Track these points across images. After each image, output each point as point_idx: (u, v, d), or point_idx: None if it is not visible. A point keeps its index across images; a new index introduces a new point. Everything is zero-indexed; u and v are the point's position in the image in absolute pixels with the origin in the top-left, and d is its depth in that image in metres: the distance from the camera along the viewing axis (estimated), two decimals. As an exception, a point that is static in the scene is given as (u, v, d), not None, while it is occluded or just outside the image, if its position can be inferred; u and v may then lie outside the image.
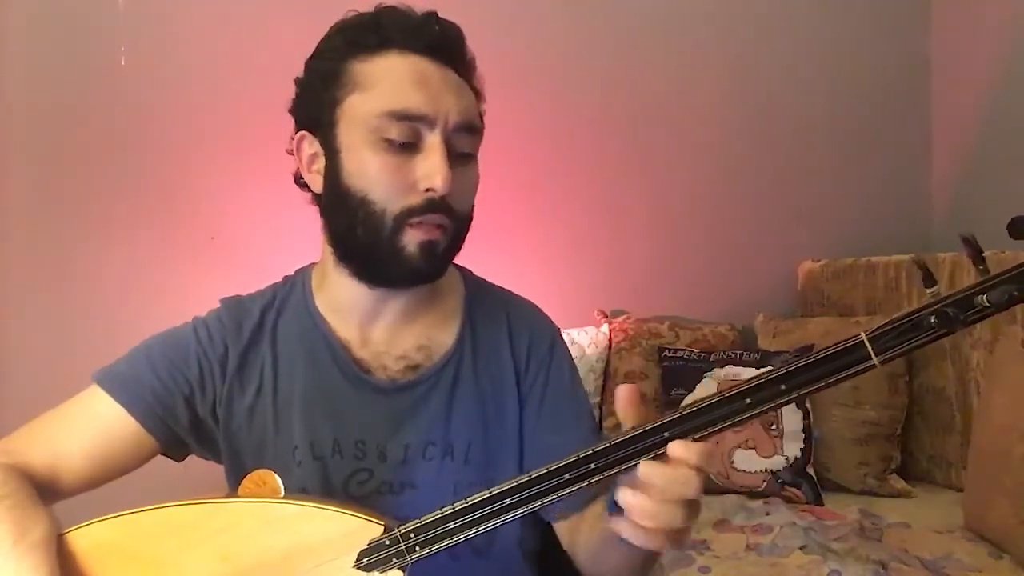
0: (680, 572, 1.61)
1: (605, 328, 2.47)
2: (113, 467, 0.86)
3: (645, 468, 0.61)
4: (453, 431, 0.89)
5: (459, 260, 0.90)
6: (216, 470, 0.93)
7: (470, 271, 1.00)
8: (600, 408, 2.38)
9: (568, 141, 2.54)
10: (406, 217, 0.80)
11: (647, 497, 0.60)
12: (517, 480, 0.65)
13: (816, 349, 0.60)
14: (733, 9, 2.61)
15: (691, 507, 0.62)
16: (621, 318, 2.51)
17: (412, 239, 0.81)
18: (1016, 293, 0.55)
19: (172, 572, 0.72)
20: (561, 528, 0.91)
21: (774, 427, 2.05)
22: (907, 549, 1.65)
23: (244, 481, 0.74)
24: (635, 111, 2.58)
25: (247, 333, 0.90)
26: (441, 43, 0.84)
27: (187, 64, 2.27)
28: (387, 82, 0.81)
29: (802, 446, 2.05)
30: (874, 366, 0.59)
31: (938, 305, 0.57)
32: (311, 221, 0.92)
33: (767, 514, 1.85)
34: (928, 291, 0.58)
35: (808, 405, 2.09)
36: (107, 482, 0.86)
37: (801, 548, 1.65)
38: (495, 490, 0.65)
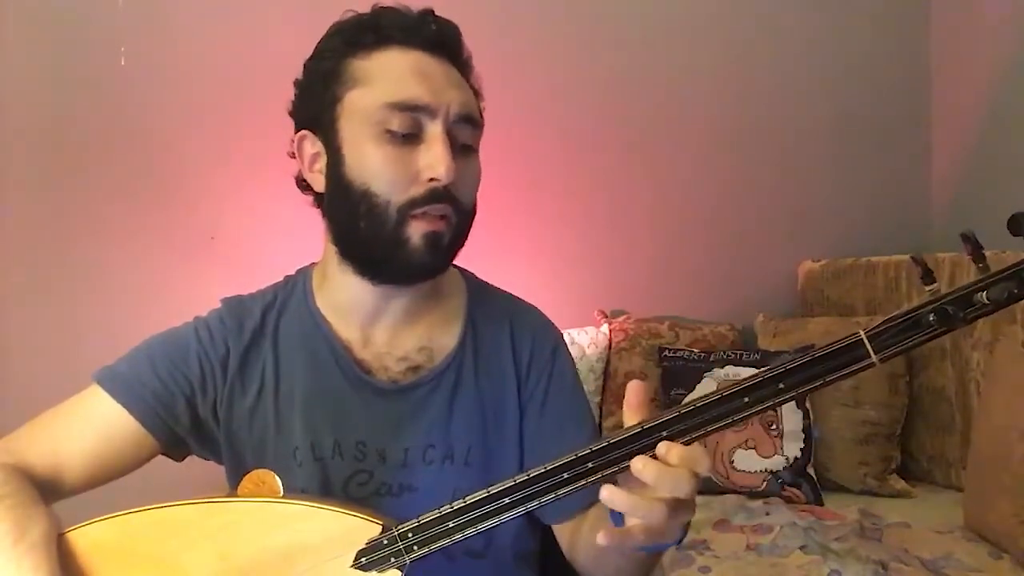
0: (680, 572, 1.61)
1: (605, 328, 2.47)
2: (113, 467, 0.86)
3: (637, 464, 0.61)
4: (453, 434, 0.89)
5: (460, 258, 0.90)
6: (216, 470, 0.93)
7: (472, 274, 1.00)
8: (600, 408, 2.38)
9: (568, 141, 2.54)
10: (410, 208, 0.80)
11: (631, 492, 0.60)
12: (515, 479, 0.65)
13: (815, 349, 0.60)
14: (734, 10, 2.61)
15: (681, 505, 0.61)
16: (621, 318, 2.51)
17: (416, 230, 0.80)
18: (1016, 291, 0.55)
19: (171, 571, 0.72)
20: (562, 532, 0.91)
21: (774, 427, 2.05)
22: (907, 549, 1.65)
23: (243, 481, 0.74)
24: (636, 111, 2.58)
25: (248, 333, 0.90)
26: (439, 39, 0.84)
27: (187, 64, 2.27)
28: (387, 75, 0.81)
29: (802, 446, 2.05)
30: (873, 364, 0.59)
31: (937, 303, 0.57)
32: (311, 221, 0.92)
33: (767, 514, 1.85)
34: (927, 288, 0.58)
35: (808, 405, 2.09)
36: (107, 482, 0.86)
37: (801, 548, 1.65)
38: (493, 489, 0.65)
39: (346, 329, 0.91)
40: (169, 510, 0.73)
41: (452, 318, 0.94)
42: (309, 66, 0.87)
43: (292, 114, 0.89)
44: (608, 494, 0.61)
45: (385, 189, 0.80)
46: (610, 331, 2.46)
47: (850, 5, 2.66)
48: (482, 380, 0.91)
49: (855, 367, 0.59)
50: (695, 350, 2.32)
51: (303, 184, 0.90)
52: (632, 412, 0.64)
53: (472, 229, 0.87)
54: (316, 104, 0.84)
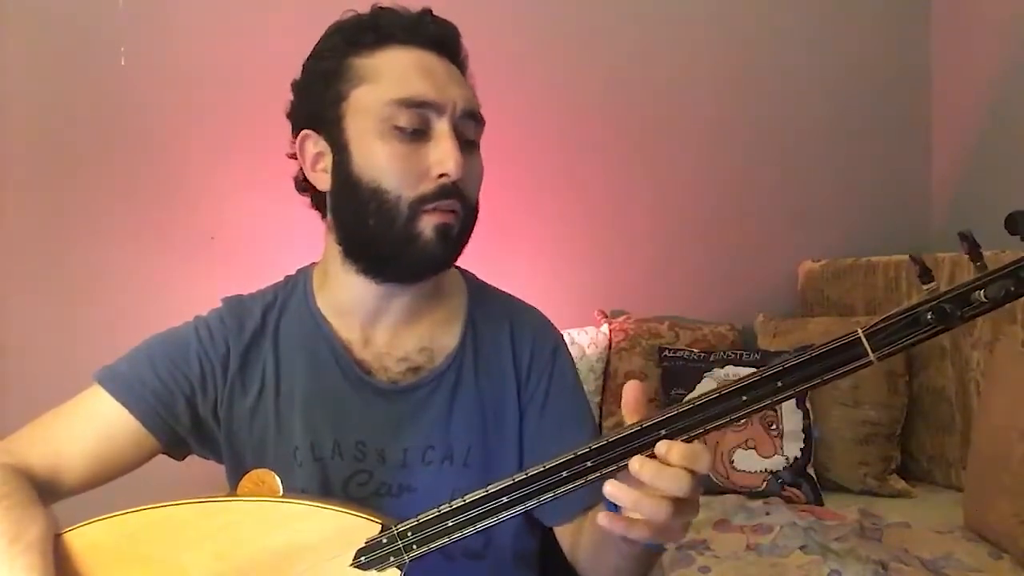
0: (680, 572, 1.61)
1: (605, 328, 2.47)
2: (114, 467, 0.86)
3: (635, 463, 0.61)
4: (453, 434, 0.89)
5: (460, 258, 0.90)
6: (216, 470, 0.93)
7: (473, 274, 1.00)
8: (600, 408, 2.38)
9: (569, 141, 2.54)
10: (421, 204, 0.80)
11: (631, 489, 0.61)
12: (514, 478, 0.65)
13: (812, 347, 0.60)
14: (734, 10, 2.61)
15: (683, 505, 0.62)
16: (621, 318, 2.51)
17: (428, 223, 0.81)
18: (1013, 289, 0.55)
19: (171, 571, 0.72)
20: (563, 534, 0.91)
21: (774, 427, 2.05)
22: (907, 549, 1.65)
23: (243, 480, 0.74)
24: (636, 111, 2.58)
25: (249, 333, 0.90)
26: (439, 38, 0.85)
27: (187, 64, 2.27)
28: (393, 72, 0.81)
29: (802, 446, 2.05)
30: (871, 362, 0.58)
31: (935, 301, 0.57)
32: (311, 221, 0.92)
33: (767, 514, 1.85)
34: (925, 287, 0.58)
35: (808, 405, 2.09)
36: (108, 481, 0.87)
37: (801, 548, 1.65)
38: (492, 488, 0.65)
39: (346, 329, 0.91)
40: (168, 510, 0.73)
41: (452, 318, 0.94)
42: (309, 66, 0.87)
43: (290, 115, 0.89)
44: (612, 489, 0.61)
45: (395, 185, 0.80)
46: (610, 331, 2.46)
47: (850, 5, 2.66)
48: (482, 381, 0.91)
49: (853, 365, 0.59)
50: (695, 350, 2.32)
51: (302, 185, 0.90)
52: (630, 412, 0.65)
53: (471, 236, 0.87)
54: (318, 103, 0.84)
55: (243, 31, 2.30)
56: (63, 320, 2.21)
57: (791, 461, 2.03)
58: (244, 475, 0.75)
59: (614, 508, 0.64)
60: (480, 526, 0.66)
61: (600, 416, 2.37)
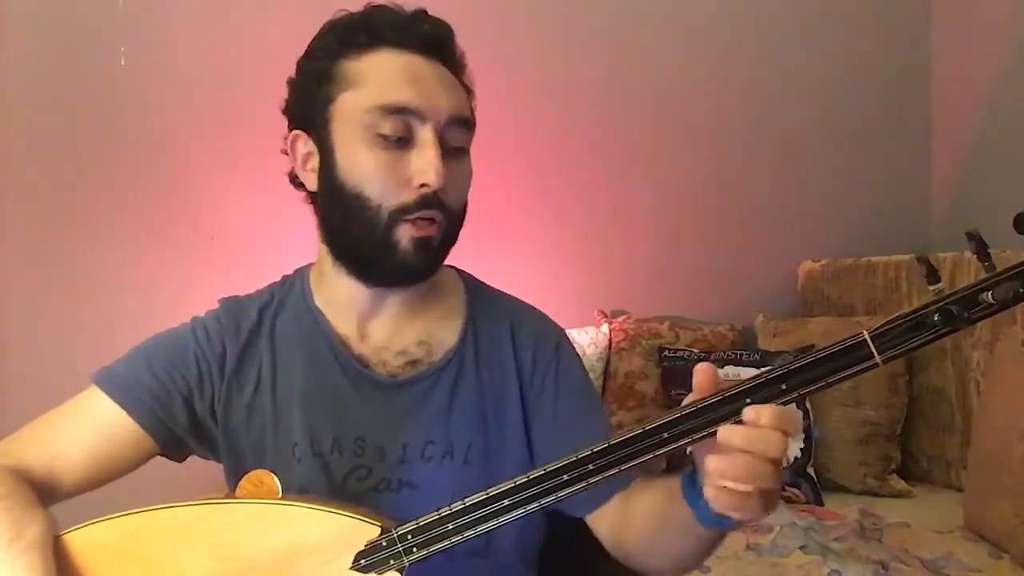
0: (680, 572, 1.61)
1: (605, 328, 2.46)
2: (112, 468, 0.86)
3: (723, 432, 0.60)
4: (453, 431, 0.88)
5: (460, 259, 0.90)
6: (216, 470, 0.93)
7: (470, 275, 1.00)
8: (600, 408, 2.38)
9: (568, 141, 2.53)
10: (400, 214, 0.80)
11: (734, 458, 0.59)
12: (515, 481, 0.64)
13: (816, 349, 0.60)
14: (734, 9, 2.61)
15: (777, 466, 0.60)
16: (621, 318, 2.51)
17: (405, 234, 0.81)
18: (1021, 290, 0.54)
19: (170, 573, 0.72)
20: (600, 521, 0.88)
21: (774, 427, 2.05)
22: (907, 549, 1.65)
23: (242, 481, 0.74)
24: (636, 111, 2.57)
25: (245, 332, 0.90)
26: (431, 40, 0.84)
27: (187, 64, 2.27)
28: (378, 78, 0.81)
29: (802, 446, 2.04)
30: (876, 365, 0.58)
31: (942, 303, 0.56)
32: (311, 221, 0.92)
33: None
34: (931, 288, 0.58)
35: (808, 405, 2.09)
36: (106, 483, 0.86)
37: (801, 548, 1.65)
38: (493, 491, 0.65)
39: (344, 325, 0.91)
40: (168, 511, 0.73)
41: (452, 315, 0.93)
42: (302, 65, 0.87)
43: (286, 112, 0.89)
44: (715, 462, 0.60)
45: (376, 193, 0.80)
46: (610, 331, 2.45)
47: (850, 5, 2.66)
48: (483, 377, 0.91)
49: (858, 368, 0.58)
50: (695, 350, 2.32)
51: (296, 181, 0.90)
52: (701, 387, 0.63)
53: (473, 229, 0.87)
54: (309, 104, 0.85)
55: (243, 31, 2.30)
56: (63, 320, 2.21)
57: (791, 461, 2.03)
58: (243, 475, 0.75)
59: (693, 504, 0.63)
60: (481, 529, 0.65)
61: (600, 416, 2.36)
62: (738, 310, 2.56)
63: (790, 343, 2.31)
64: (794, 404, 1.93)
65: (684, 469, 0.66)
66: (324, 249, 0.89)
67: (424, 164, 0.80)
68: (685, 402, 0.63)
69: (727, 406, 0.61)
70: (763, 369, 0.61)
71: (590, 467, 0.63)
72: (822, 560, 1.57)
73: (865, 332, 0.58)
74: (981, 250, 0.56)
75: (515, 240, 2.44)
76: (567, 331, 1.00)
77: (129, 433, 0.85)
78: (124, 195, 2.25)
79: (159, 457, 0.90)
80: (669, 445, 0.62)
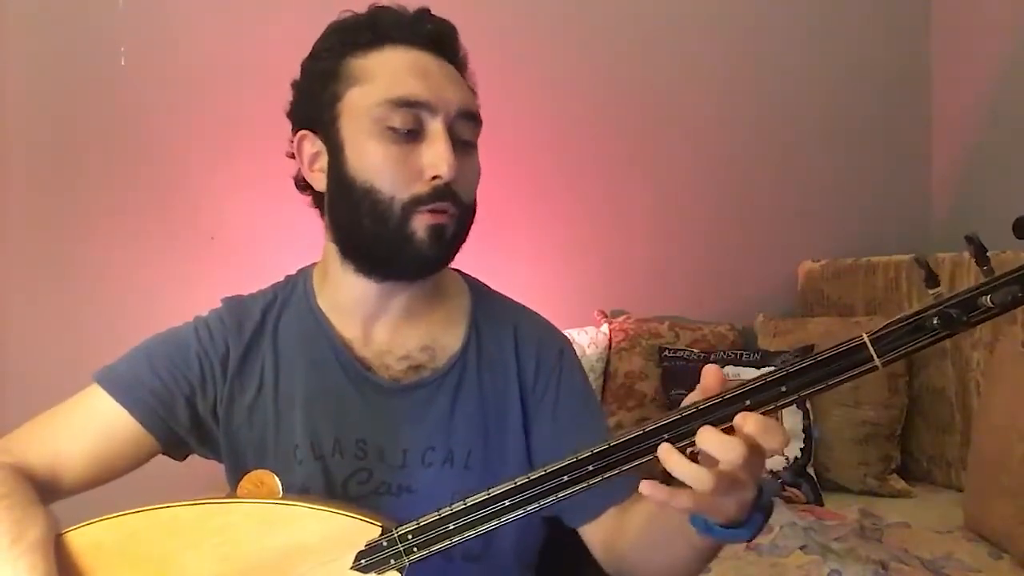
0: (680, 572, 1.61)
1: (605, 328, 2.46)
2: (113, 467, 0.86)
3: (702, 434, 0.59)
4: (454, 437, 0.88)
5: (460, 258, 0.90)
6: (216, 470, 0.93)
7: (475, 278, 1.00)
8: (600, 408, 2.38)
9: (568, 141, 2.54)
10: (414, 206, 0.80)
11: (680, 456, 0.59)
12: (516, 482, 0.64)
13: (816, 349, 0.60)
14: (734, 9, 2.61)
15: (737, 483, 0.60)
16: (621, 318, 2.51)
17: (421, 224, 0.80)
18: (1020, 294, 0.54)
19: (171, 572, 0.72)
20: (593, 532, 0.88)
21: (774, 427, 2.05)
22: (907, 549, 1.65)
23: (243, 481, 0.74)
24: (636, 111, 2.58)
25: (248, 332, 0.90)
26: (436, 37, 0.85)
27: (187, 64, 2.27)
28: (386, 73, 0.81)
29: (802, 446, 2.05)
30: (876, 367, 0.58)
31: (941, 306, 0.56)
32: (311, 221, 0.92)
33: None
34: (931, 292, 0.57)
35: (808, 405, 2.09)
36: (107, 481, 0.86)
37: (801, 548, 1.65)
38: (493, 491, 0.65)
39: (347, 327, 0.90)
40: (169, 511, 0.73)
41: (455, 319, 0.93)
42: (307, 66, 0.87)
43: (290, 115, 0.89)
44: (664, 453, 0.60)
45: (388, 186, 0.80)
46: (610, 331, 2.45)
47: (850, 5, 2.66)
48: (485, 384, 0.91)
49: (858, 370, 0.58)
50: (695, 350, 2.32)
51: (302, 185, 0.90)
52: (707, 388, 0.63)
53: (473, 229, 0.87)
54: (315, 104, 0.84)
55: (243, 31, 2.30)
56: (63, 320, 2.21)
57: (791, 461, 2.03)
58: (244, 475, 0.75)
59: (697, 525, 0.63)
60: (481, 529, 0.65)
61: (600, 416, 2.36)
62: (738, 310, 2.56)
63: (790, 343, 2.31)
64: (793, 408, 1.91)
65: None
66: (331, 249, 0.88)
67: (436, 156, 0.80)
68: (685, 403, 0.63)
69: (727, 408, 0.61)
70: (763, 371, 0.61)
71: (590, 468, 0.63)
72: (822, 560, 1.57)
73: (865, 335, 0.58)
74: (979, 254, 0.55)
75: (515, 240, 2.44)
76: (567, 331, 1.00)
77: (130, 432, 0.85)
78: (124, 195, 2.25)
79: (159, 457, 0.90)
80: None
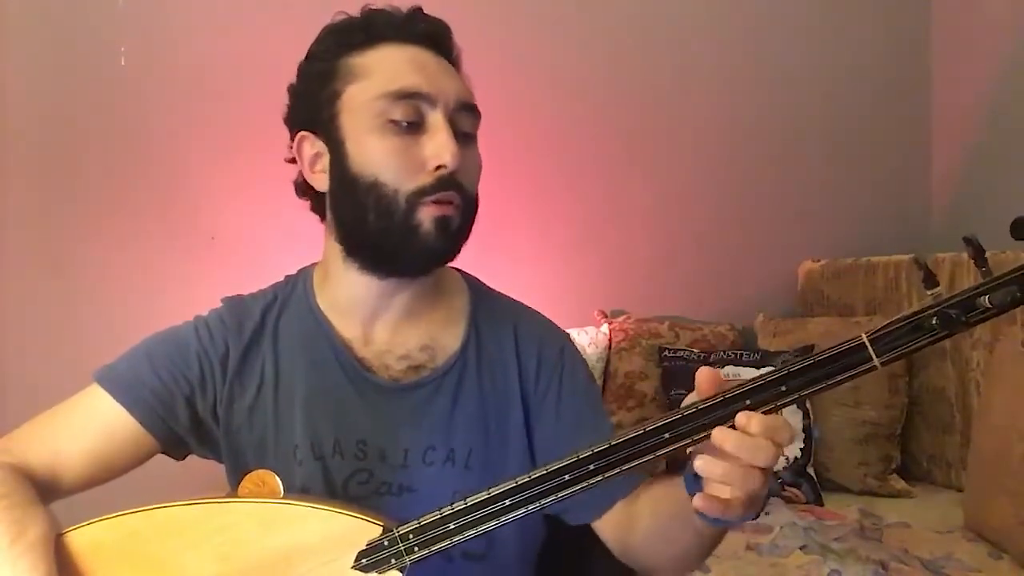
0: (680, 572, 1.61)
1: (605, 328, 2.47)
2: (113, 466, 0.86)
3: (718, 434, 0.60)
4: (454, 436, 0.88)
5: (460, 258, 0.90)
6: (216, 470, 0.93)
7: (475, 277, 1.00)
8: (600, 408, 2.38)
9: (568, 141, 2.54)
10: (419, 197, 0.80)
11: (720, 461, 0.60)
12: (517, 481, 0.64)
13: (816, 349, 0.60)
14: (734, 9, 2.61)
15: (764, 475, 0.61)
16: (621, 318, 2.51)
17: (427, 216, 0.80)
18: (1019, 295, 0.54)
19: (172, 572, 0.72)
20: (606, 526, 0.89)
21: (774, 427, 2.05)
22: (907, 549, 1.65)
23: (243, 481, 0.74)
24: (635, 111, 2.58)
25: (248, 332, 0.90)
26: (430, 34, 0.86)
27: (187, 64, 2.27)
28: (384, 68, 0.82)
29: (802, 446, 2.05)
30: (875, 367, 0.58)
31: (940, 306, 0.57)
32: (311, 221, 0.92)
33: (767, 514, 1.85)
34: (929, 292, 0.58)
35: (808, 405, 2.09)
36: (107, 481, 0.86)
37: (801, 548, 1.65)
38: (494, 491, 0.65)
39: (347, 327, 0.90)
40: (169, 510, 0.73)
41: (455, 319, 0.93)
42: (303, 68, 0.88)
43: (287, 119, 0.89)
44: (702, 463, 0.61)
45: (392, 179, 0.80)
46: (610, 331, 2.46)
47: (850, 5, 2.66)
48: (485, 384, 0.91)
49: (857, 370, 0.58)
50: (695, 350, 2.32)
51: (302, 190, 0.90)
52: (703, 389, 0.63)
53: (473, 229, 0.87)
54: (314, 104, 0.85)
55: (243, 31, 2.30)
56: (64, 320, 2.21)
57: (791, 461, 2.03)
58: (244, 475, 0.75)
59: (693, 490, 0.64)
60: (482, 529, 0.65)
61: (600, 416, 2.36)
62: (738, 310, 2.56)
63: (790, 343, 2.31)
64: (793, 408, 1.92)
65: (687, 468, 0.66)
66: (334, 248, 0.88)
67: (438, 147, 0.80)
68: (685, 403, 0.63)
69: (727, 407, 0.61)
70: (763, 371, 0.61)
71: (591, 467, 0.63)
72: (822, 560, 1.58)
73: (864, 335, 0.58)
74: (978, 255, 0.56)
75: (515, 240, 2.44)
76: (567, 331, 1.00)
77: (130, 431, 0.85)
78: (124, 195, 2.25)
79: (159, 457, 0.90)
80: (669, 446, 0.62)
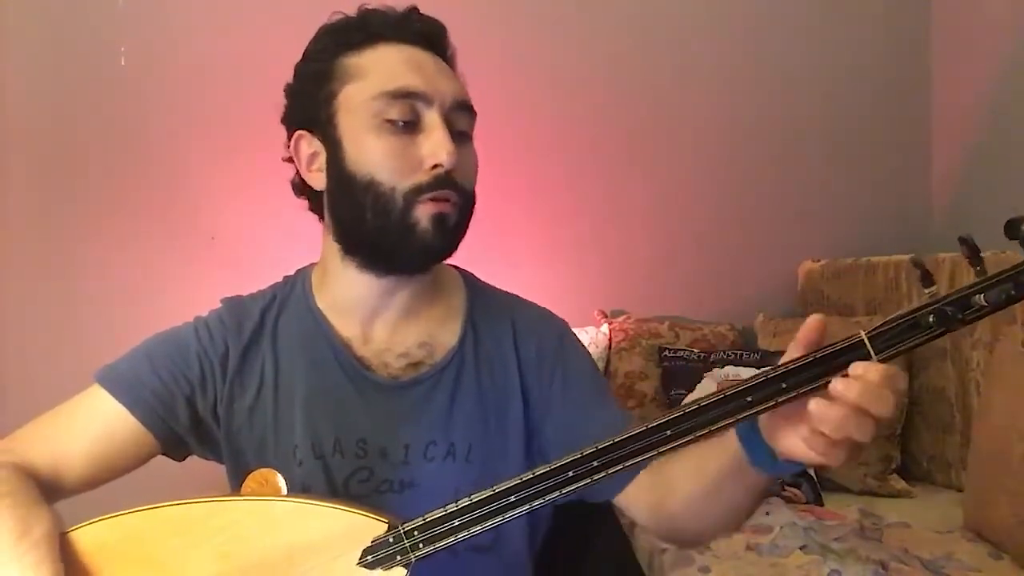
0: (680, 572, 1.61)
1: (605, 328, 2.47)
2: (114, 466, 0.86)
3: (838, 384, 0.59)
4: (454, 431, 0.89)
5: (460, 258, 0.90)
6: (216, 470, 0.93)
7: (472, 274, 1.00)
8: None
9: (568, 141, 2.54)
10: (416, 195, 0.81)
11: (839, 407, 0.59)
12: (521, 477, 0.65)
13: (816, 349, 0.61)
14: (733, 9, 2.61)
15: (876, 425, 0.60)
16: (621, 318, 2.51)
17: (424, 213, 0.81)
18: (1014, 292, 0.56)
19: (174, 571, 0.72)
20: (635, 498, 0.87)
21: (774, 427, 2.05)
22: (907, 549, 1.65)
23: (247, 480, 0.74)
24: (636, 111, 2.58)
25: (248, 333, 0.91)
26: (426, 34, 0.86)
27: (187, 64, 2.27)
28: (381, 67, 0.83)
29: (802, 446, 2.04)
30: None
31: (937, 304, 0.58)
32: (311, 221, 0.92)
33: (767, 514, 1.85)
34: (926, 291, 0.59)
35: (808, 405, 2.09)
36: (108, 481, 0.87)
37: (801, 548, 1.65)
38: (499, 488, 0.65)
39: (346, 327, 0.91)
40: (171, 509, 0.73)
41: (452, 316, 0.94)
42: (300, 68, 0.88)
43: (285, 120, 0.90)
44: (817, 407, 0.59)
45: (389, 177, 0.81)
46: (610, 331, 2.46)
47: (850, 5, 2.66)
48: (484, 378, 0.91)
49: (856, 368, 0.59)
50: (695, 350, 2.32)
51: (299, 189, 0.91)
52: (799, 345, 0.63)
53: (472, 229, 0.87)
54: (311, 103, 0.85)
55: (243, 31, 2.30)
56: (64, 320, 2.21)
57: (791, 461, 2.03)
58: (246, 475, 0.75)
59: (753, 451, 0.64)
60: (488, 525, 0.66)
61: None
62: (738, 310, 2.57)
63: (790, 343, 2.31)
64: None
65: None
66: (332, 248, 0.88)
67: (435, 145, 0.81)
68: (686, 401, 0.63)
69: (727, 406, 0.61)
70: (764, 368, 0.62)
71: (594, 464, 0.63)
72: (822, 560, 1.58)
73: (862, 333, 0.59)
74: (973, 255, 0.57)
75: (515, 240, 2.45)
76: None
77: (131, 431, 0.85)
78: (124, 195, 2.25)
79: (159, 457, 0.90)
80: (673, 442, 0.62)
